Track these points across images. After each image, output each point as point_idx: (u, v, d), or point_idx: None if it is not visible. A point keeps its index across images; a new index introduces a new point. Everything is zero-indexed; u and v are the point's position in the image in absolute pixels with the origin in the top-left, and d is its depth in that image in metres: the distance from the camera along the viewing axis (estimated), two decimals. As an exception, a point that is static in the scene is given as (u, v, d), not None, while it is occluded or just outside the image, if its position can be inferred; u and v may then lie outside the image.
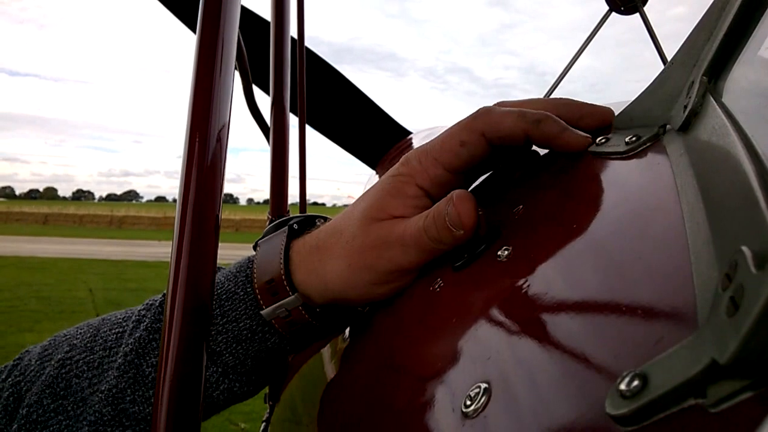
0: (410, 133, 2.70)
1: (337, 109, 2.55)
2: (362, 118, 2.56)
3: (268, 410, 1.67)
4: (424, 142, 0.81)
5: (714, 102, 0.54)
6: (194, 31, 0.67)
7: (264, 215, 2.03)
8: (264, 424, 1.67)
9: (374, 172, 2.60)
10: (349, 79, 2.58)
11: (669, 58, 0.66)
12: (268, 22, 1.77)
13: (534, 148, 0.82)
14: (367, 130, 2.58)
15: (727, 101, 0.53)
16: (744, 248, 0.31)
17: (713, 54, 0.58)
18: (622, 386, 0.35)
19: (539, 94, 1.94)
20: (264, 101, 2.02)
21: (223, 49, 0.66)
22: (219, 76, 0.65)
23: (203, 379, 0.60)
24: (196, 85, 0.64)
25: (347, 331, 0.92)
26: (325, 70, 2.45)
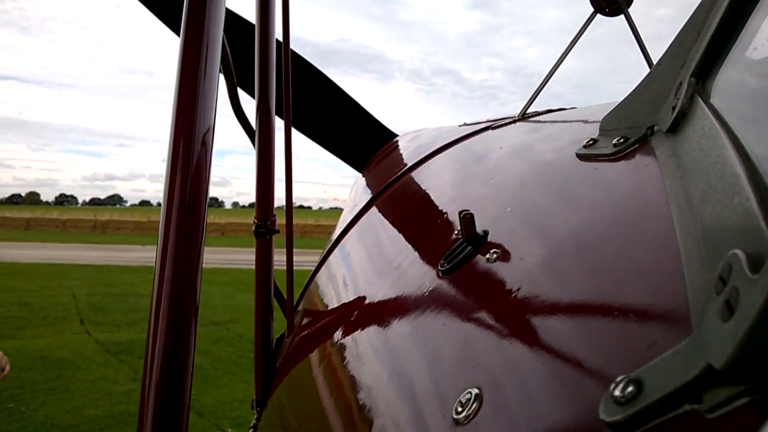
0: (396, 135, 2.69)
1: (322, 112, 2.54)
2: (348, 121, 2.55)
3: (255, 416, 1.65)
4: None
5: (702, 103, 0.53)
6: (178, 34, 0.66)
7: (250, 219, 2.02)
8: (251, 430, 1.66)
9: (360, 174, 2.59)
10: (334, 81, 2.58)
11: (654, 59, 0.66)
12: (253, 25, 1.76)
13: (528, 146, 0.82)
14: (353, 132, 2.57)
15: (715, 102, 0.53)
16: (738, 251, 0.30)
17: (701, 55, 0.58)
18: (617, 392, 0.34)
19: (525, 96, 1.94)
20: (249, 104, 2.00)
21: (207, 51, 0.65)
22: (203, 79, 0.64)
23: (190, 386, 0.59)
24: (181, 88, 0.63)
25: (334, 336, 0.91)
26: (311, 73, 2.44)
